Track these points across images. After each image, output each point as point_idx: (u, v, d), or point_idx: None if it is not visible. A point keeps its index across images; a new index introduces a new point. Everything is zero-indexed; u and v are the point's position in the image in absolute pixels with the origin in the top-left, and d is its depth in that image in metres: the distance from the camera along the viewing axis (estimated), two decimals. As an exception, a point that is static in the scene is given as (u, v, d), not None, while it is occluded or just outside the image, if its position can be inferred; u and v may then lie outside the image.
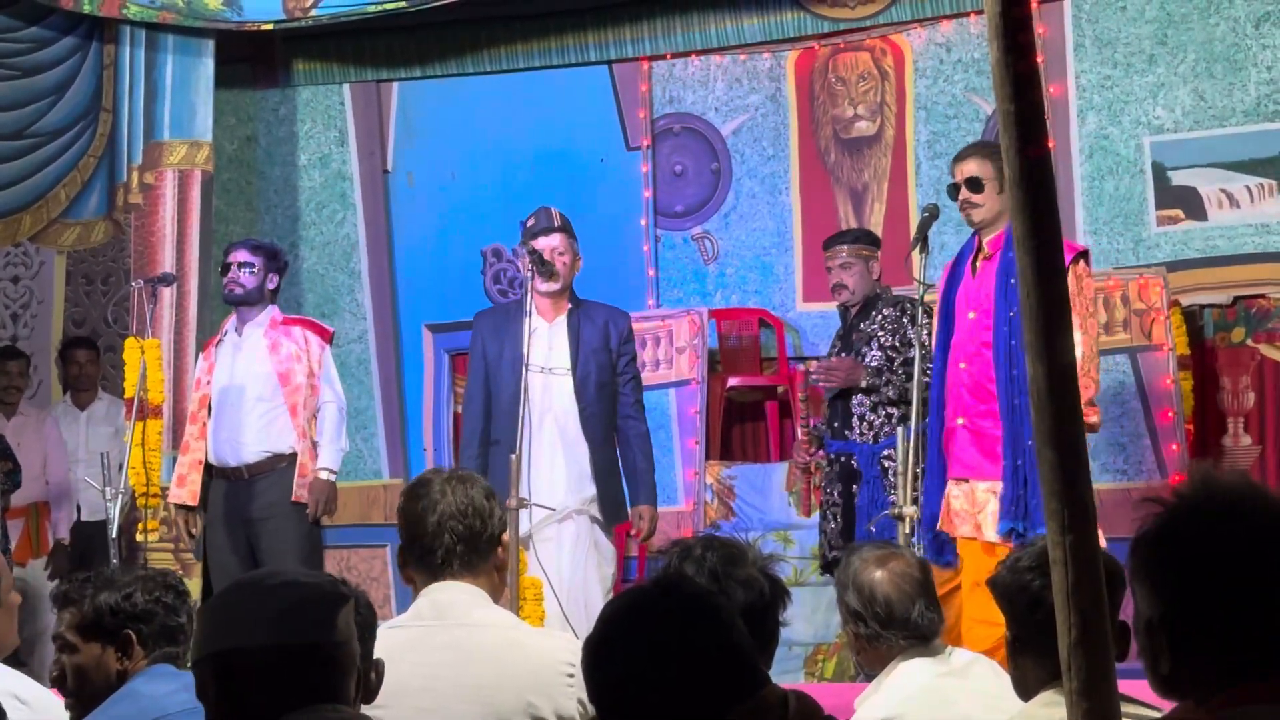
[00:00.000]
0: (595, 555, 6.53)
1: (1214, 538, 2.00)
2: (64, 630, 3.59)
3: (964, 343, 5.88)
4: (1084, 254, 5.85)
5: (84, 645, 3.56)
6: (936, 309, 6.13)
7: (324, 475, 7.03)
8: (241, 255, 7.12)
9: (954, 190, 5.94)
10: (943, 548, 5.99)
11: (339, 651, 2.51)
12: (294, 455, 7.00)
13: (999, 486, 5.68)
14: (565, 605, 6.16)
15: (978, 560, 5.74)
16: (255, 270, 7.09)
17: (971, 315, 5.85)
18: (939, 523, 5.95)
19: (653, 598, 2.31)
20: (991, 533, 5.72)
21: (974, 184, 5.85)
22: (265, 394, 7.03)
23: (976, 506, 5.84)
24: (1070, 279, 5.61)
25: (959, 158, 6.05)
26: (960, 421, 5.86)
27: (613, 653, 2.25)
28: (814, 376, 7.46)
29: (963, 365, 5.87)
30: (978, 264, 5.86)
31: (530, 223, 6.70)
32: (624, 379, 6.72)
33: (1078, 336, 5.64)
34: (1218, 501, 2.03)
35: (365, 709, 2.59)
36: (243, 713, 2.45)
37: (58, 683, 3.62)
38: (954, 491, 5.91)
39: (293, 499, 6.94)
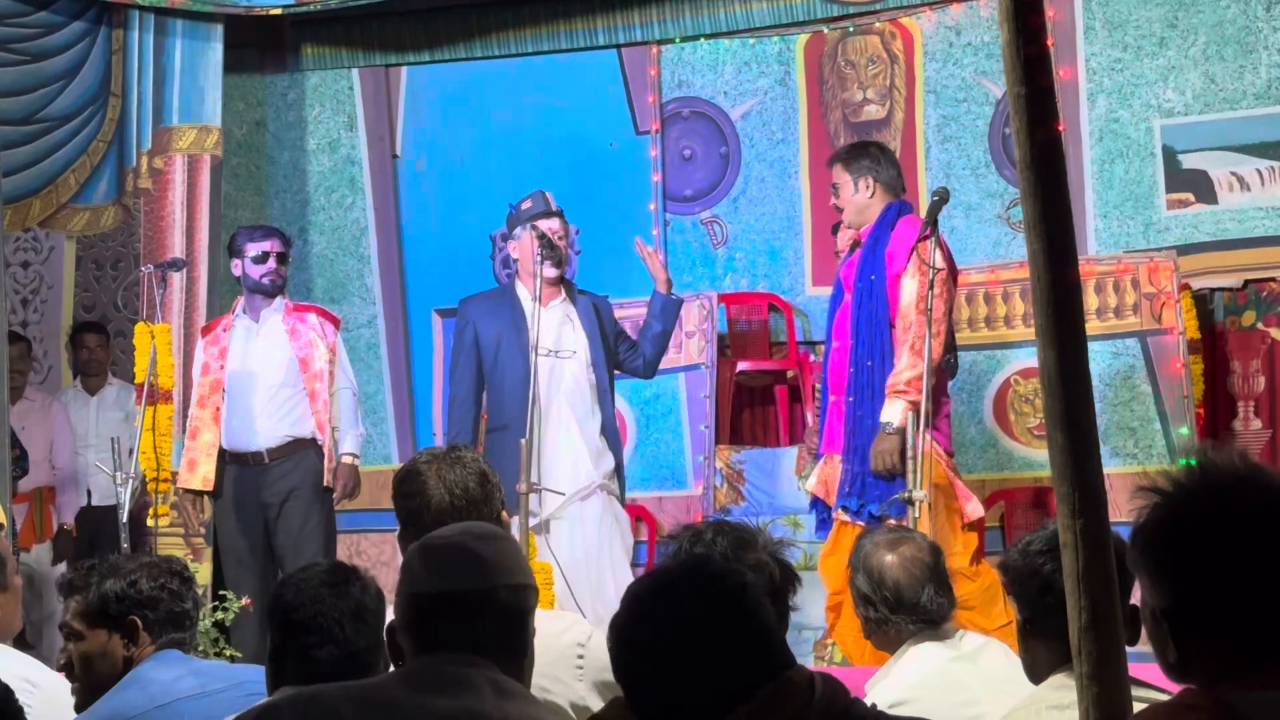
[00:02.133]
0: (617, 527, 6.60)
1: (1212, 528, 1.99)
2: (70, 618, 3.59)
3: (840, 324, 6.21)
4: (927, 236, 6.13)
5: (90, 633, 3.56)
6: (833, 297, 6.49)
7: (348, 460, 7.09)
8: (277, 245, 7.13)
9: None
10: (823, 520, 6.37)
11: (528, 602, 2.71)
12: (313, 440, 7.02)
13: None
14: (594, 580, 6.26)
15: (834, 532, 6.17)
16: (288, 259, 7.16)
17: (847, 298, 6.22)
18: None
19: (678, 577, 2.29)
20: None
21: (834, 190, 6.30)
22: (287, 380, 7.05)
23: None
24: (924, 248, 5.92)
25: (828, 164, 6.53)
26: (832, 399, 6.18)
27: (638, 633, 2.23)
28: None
29: (835, 344, 6.21)
30: (854, 253, 6.21)
31: (527, 205, 6.65)
32: (627, 344, 6.84)
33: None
34: (1215, 490, 2.01)
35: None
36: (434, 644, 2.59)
37: (66, 670, 3.63)
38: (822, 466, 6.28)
39: (324, 484, 6.98)
